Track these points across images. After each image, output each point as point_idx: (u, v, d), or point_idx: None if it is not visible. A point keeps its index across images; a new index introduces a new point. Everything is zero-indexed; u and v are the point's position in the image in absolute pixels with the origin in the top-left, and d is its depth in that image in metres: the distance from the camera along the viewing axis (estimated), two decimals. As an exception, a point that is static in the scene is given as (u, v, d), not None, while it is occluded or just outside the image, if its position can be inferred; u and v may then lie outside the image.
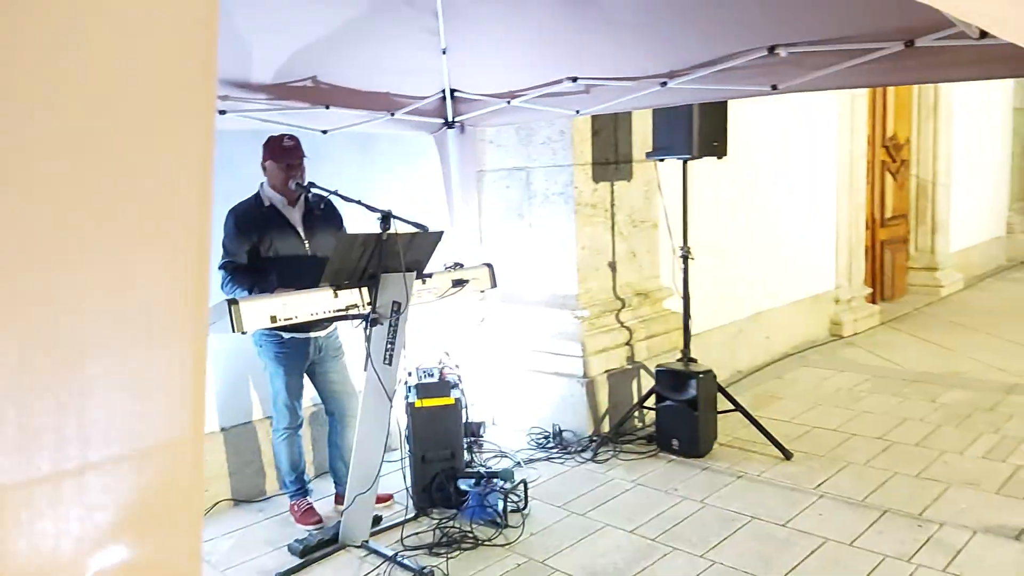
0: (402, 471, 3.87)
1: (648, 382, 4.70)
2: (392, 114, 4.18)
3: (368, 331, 3.07)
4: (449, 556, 3.26)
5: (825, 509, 3.52)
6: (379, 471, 3.31)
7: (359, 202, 3.09)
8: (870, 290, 7.37)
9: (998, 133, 9.97)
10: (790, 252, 6.27)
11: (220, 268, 3.43)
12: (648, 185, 4.90)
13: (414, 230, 3.05)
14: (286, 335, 3.49)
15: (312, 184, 3.35)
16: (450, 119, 4.45)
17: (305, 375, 3.65)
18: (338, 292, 2.99)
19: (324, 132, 3.93)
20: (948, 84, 8.05)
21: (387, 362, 3.12)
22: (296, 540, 3.43)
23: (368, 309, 3.05)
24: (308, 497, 3.75)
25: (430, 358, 3.92)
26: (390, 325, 3.07)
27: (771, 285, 6.05)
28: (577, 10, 3.33)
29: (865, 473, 3.88)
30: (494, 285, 3.52)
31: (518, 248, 4.76)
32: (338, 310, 2.99)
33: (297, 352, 3.55)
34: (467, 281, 3.37)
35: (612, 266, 4.71)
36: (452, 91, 4.32)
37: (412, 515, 3.68)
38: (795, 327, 6.38)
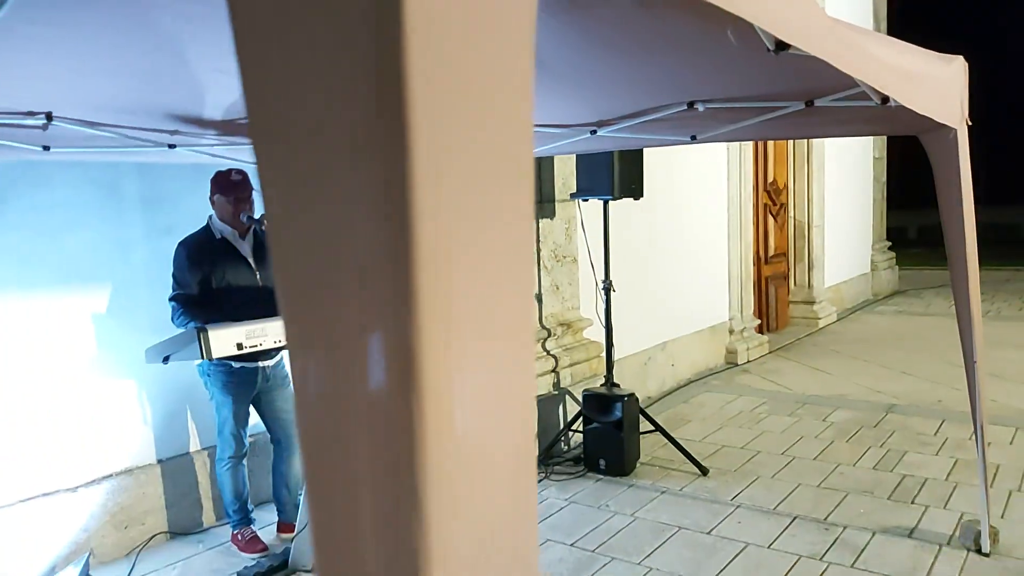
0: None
1: (572, 407, 4.98)
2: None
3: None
4: (401, 576, 3.38)
5: (743, 518, 3.87)
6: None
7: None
8: (759, 321, 8.00)
9: (862, 180, 11.05)
10: (691, 286, 6.76)
11: (171, 300, 3.46)
12: (569, 222, 5.23)
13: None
14: (236, 364, 3.54)
15: (264, 217, 3.44)
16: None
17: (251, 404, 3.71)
18: (300, 320, 3.09)
19: (240, 170, 4.02)
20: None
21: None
22: (245, 567, 3.46)
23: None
24: (252, 526, 3.77)
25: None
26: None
27: (676, 316, 6.50)
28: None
29: (773, 485, 4.28)
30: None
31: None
32: (300, 338, 3.10)
33: (246, 381, 3.60)
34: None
35: (539, 298, 4.99)
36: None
37: (357, 540, 3.76)
38: (696, 355, 6.86)
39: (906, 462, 4.54)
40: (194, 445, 4.04)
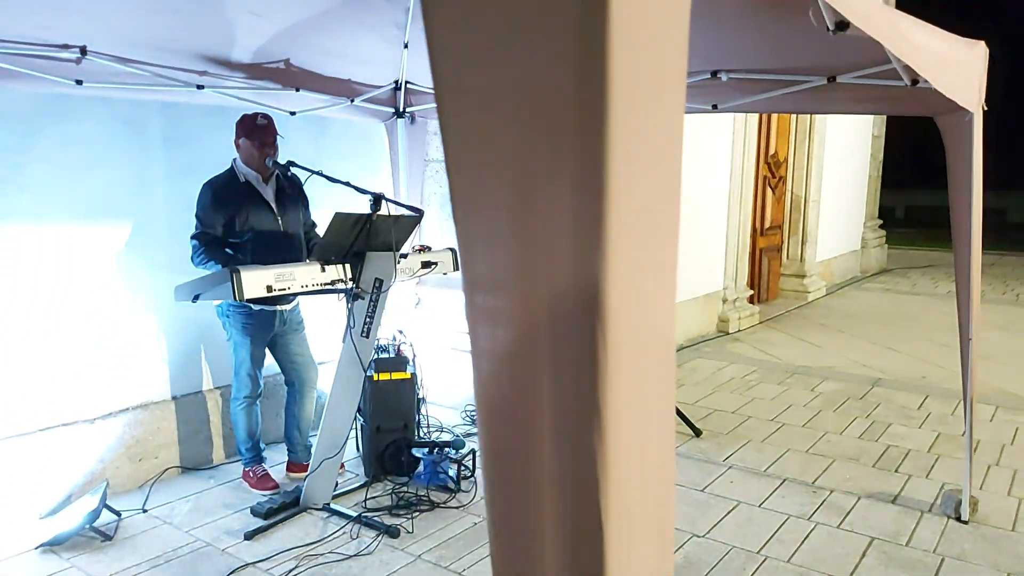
0: (356, 440, 4.08)
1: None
2: (352, 101, 4.36)
3: (351, 304, 3.27)
4: (410, 517, 3.52)
5: (734, 478, 4.04)
6: (347, 437, 3.52)
7: (347, 183, 3.28)
8: (751, 292, 8.15)
9: (859, 157, 11.15)
10: (689, 254, 6.86)
11: (193, 239, 3.51)
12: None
13: (399, 212, 3.28)
14: (255, 307, 3.62)
15: (292, 163, 3.50)
16: (401, 109, 4.67)
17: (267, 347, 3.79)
18: (325, 267, 3.18)
19: (292, 113, 4.06)
20: (823, 111, 8.99)
21: (365, 335, 3.33)
22: (258, 503, 3.58)
23: (351, 284, 3.26)
24: (263, 464, 3.88)
25: (385, 335, 4.14)
26: (371, 300, 3.29)
27: (681, 283, 6.61)
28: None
29: (764, 449, 4.44)
30: (456, 268, 3.78)
31: (453, 234, 5.03)
32: (323, 284, 3.18)
33: (264, 324, 3.68)
34: (435, 263, 3.63)
35: (545, 257, 5.07)
36: (405, 83, 4.55)
37: (365, 481, 3.90)
38: (690, 322, 7.01)
39: (890, 433, 4.72)
40: (206, 384, 4.13)
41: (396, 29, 4.01)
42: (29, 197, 3.38)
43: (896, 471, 4.15)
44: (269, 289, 2.98)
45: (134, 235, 3.76)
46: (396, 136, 4.75)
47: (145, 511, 3.59)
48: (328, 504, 3.58)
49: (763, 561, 3.20)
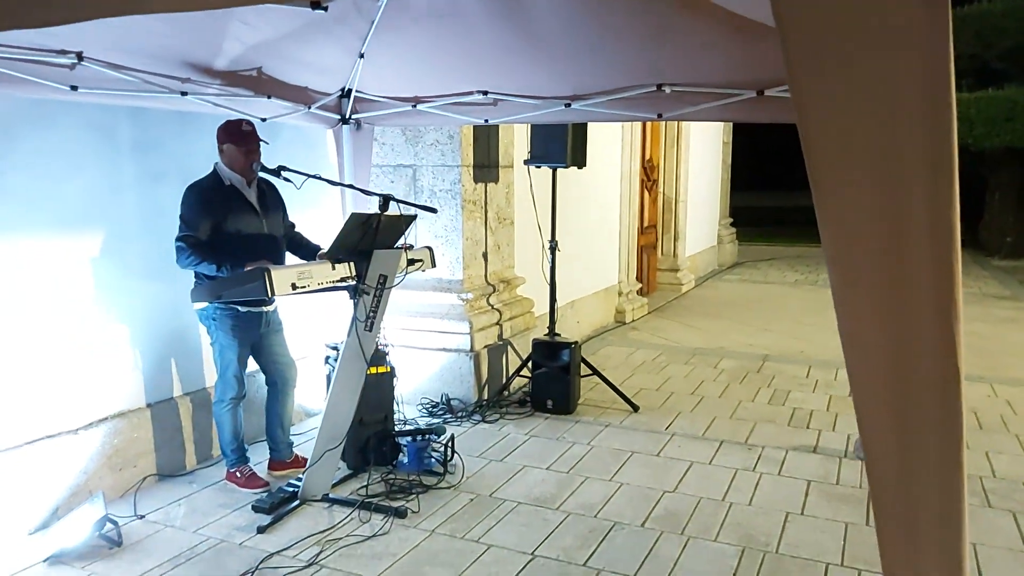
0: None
1: (512, 356, 5.47)
2: (309, 107, 4.49)
3: (356, 300, 3.46)
4: (408, 499, 3.74)
5: (680, 443, 4.55)
6: (348, 429, 3.69)
7: (351, 186, 3.46)
8: (640, 285, 8.85)
9: (714, 162, 12.27)
10: (592, 251, 7.42)
11: (178, 241, 3.55)
12: (508, 187, 5.67)
13: (395, 212, 3.50)
14: (242, 309, 3.71)
15: (284, 167, 3.62)
16: (346, 116, 4.84)
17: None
18: (335, 265, 3.35)
19: (263, 120, 4.14)
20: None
21: (368, 329, 3.53)
22: (258, 499, 3.66)
23: (356, 281, 3.44)
24: (249, 464, 3.95)
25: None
26: (375, 295, 3.49)
27: (581, 278, 7.13)
28: (494, 34, 3.96)
29: (695, 418, 5.01)
30: (433, 265, 4.03)
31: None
32: (334, 281, 3.36)
33: (250, 325, 3.77)
34: (420, 260, 3.87)
35: (485, 256, 5.40)
36: (350, 90, 4.72)
37: (349, 472, 4.05)
38: (595, 314, 7.56)
39: (792, 399, 5.45)
40: (177, 390, 4.12)
41: (357, 40, 4.20)
42: (11, 205, 3.30)
43: (807, 427, 4.83)
44: (293, 287, 3.13)
45: (107, 241, 3.72)
46: (342, 142, 4.90)
47: (142, 517, 3.57)
48: (327, 495, 3.73)
49: (729, 507, 3.71)
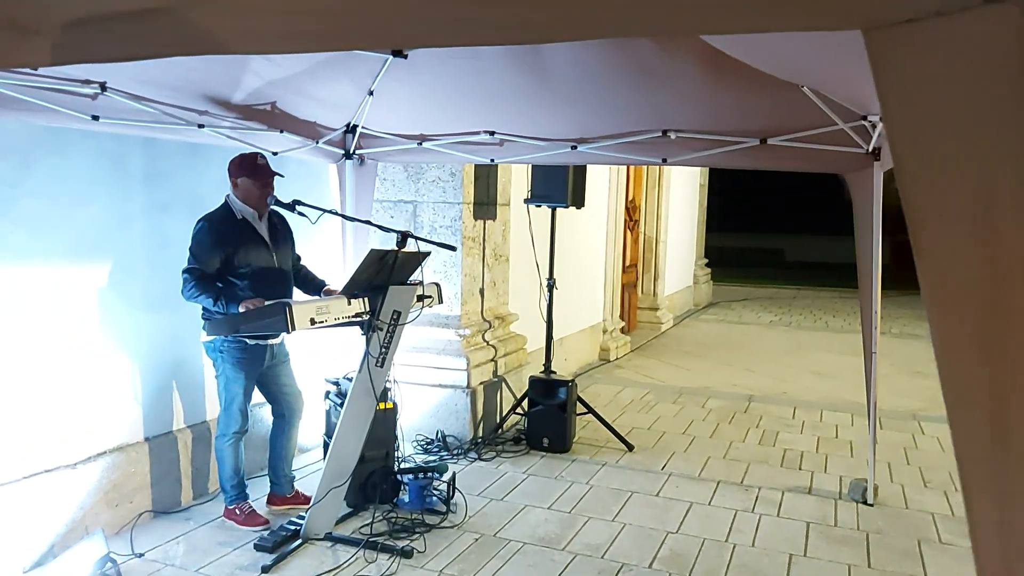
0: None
1: (506, 393, 5.48)
2: (317, 142, 4.52)
3: (368, 335, 3.45)
4: (412, 539, 3.70)
5: (678, 483, 4.58)
6: (354, 466, 3.66)
7: (368, 222, 3.48)
8: (623, 323, 8.93)
9: (691, 203, 12.50)
10: (580, 289, 7.48)
11: (185, 272, 3.53)
12: (505, 225, 5.72)
13: (410, 249, 3.51)
14: (250, 341, 3.68)
15: (298, 201, 3.63)
16: (350, 151, 4.87)
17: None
18: (351, 300, 3.35)
19: (275, 153, 4.14)
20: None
21: (379, 365, 3.52)
22: (260, 538, 3.60)
23: (370, 316, 3.44)
24: (248, 501, 3.88)
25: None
26: (388, 331, 3.49)
27: (568, 315, 7.17)
28: (506, 75, 4.03)
29: (690, 458, 5.05)
30: (441, 301, 4.05)
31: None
32: (350, 316, 3.35)
33: (257, 358, 3.74)
34: (430, 296, 3.88)
35: (482, 292, 5.43)
36: (355, 126, 4.76)
37: (349, 511, 4.00)
38: (582, 351, 7.60)
39: (781, 439, 5.52)
40: (177, 423, 4.05)
41: (368, 76, 4.25)
42: (26, 232, 3.25)
43: (800, 468, 4.90)
44: (312, 322, 3.12)
45: (113, 271, 3.68)
46: (345, 176, 4.92)
47: (141, 555, 3.48)
48: (331, 533, 3.68)
49: (733, 548, 3.74)
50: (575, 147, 4.42)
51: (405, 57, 3.17)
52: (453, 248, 3.68)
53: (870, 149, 3.83)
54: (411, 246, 3.44)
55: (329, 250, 4.85)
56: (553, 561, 3.55)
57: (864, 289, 4.12)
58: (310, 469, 4.55)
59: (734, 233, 27.44)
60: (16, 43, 1.89)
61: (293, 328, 3.02)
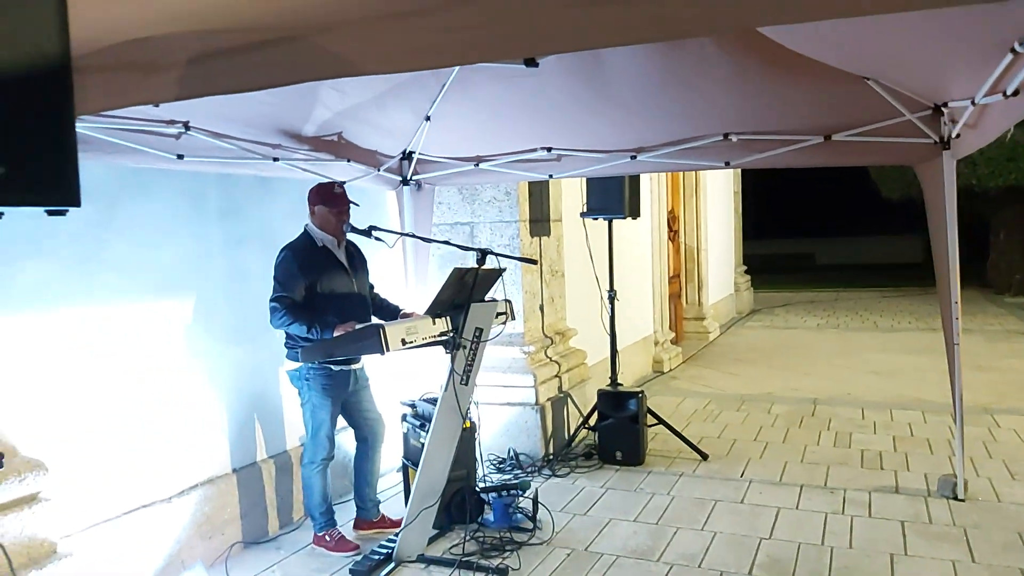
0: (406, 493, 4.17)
1: (572, 409, 5.46)
2: (378, 170, 4.58)
3: (453, 354, 3.47)
4: (504, 557, 3.68)
5: (760, 489, 4.52)
6: (445, 484, 3.66)
7: (447, 242, 3.51)
8: (673, 334, 8.88)
9: (728, 211, 12.45)
10: (632, 301, 7.46)
11: (273, 301, 3.57)
12: (559, 240, 5.74)
13: (488, 267, 3.53)
14: (335, 368, 3.71)
15: (374, 227, 3.67)
16: (407, 177, 4.92)
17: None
18: (435, 320, 3.37)
19: (342, 183, 4.20)
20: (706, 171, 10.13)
21: (464, 383, 3.53)
22: (356, 564, 3.60)
23: (452, 335, 3.45)
24: (337, 527, 3.89)
25: (436, 388, 4.29)
26: (471, 349, 3.50)
27: (623, 328, 7.14)
28: (565, 89, 4.06)
29: (767, 464, 4.98)
30: (513, 317, 4.05)
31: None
32: (435, 336, 3.37)
33: (342, 383, 3.76)
34: (504, 313, 3.89)
35: (541, 309, 5.43)
36: (411, 152, 4.81)
37: (435, 532, 3.99)
38: (636, 363, 7.56)
39: (856, 440, 5.43)
40: (260, 454, 4.08)
41: (426, 102, 4.31)
42: (112, 274, 3.32)
43: (881, 468, 4.81)
44: (403, 342, 3.14)
45: (197, 307, 3.74)
46: (403, 202, 4.97)
47: (240, 586, 3.51)
48: (423, 555, 3.67)
49: (831, 551, 3.67)
50: (635, 156, 4.44)
51: (536, 66, 3.20)
52: (534, 262, 3.69)
53: (940, 139, 3.80)
54: (491, 263, 3.45)
55: (385, 279, 4.88)
56: (651, 573, 3.51)
57: (941, 279, 4.05)
58: (389, 492, 4.55)
59: (763, 240, 27.26)
60: (139, 81, 1.96)
61: (387, 349, 3.04)
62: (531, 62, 3.07)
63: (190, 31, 1.84)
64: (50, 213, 1.73)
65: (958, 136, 3.58)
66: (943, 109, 3.61)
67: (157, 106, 2.84)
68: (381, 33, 1.74)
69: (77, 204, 1.80)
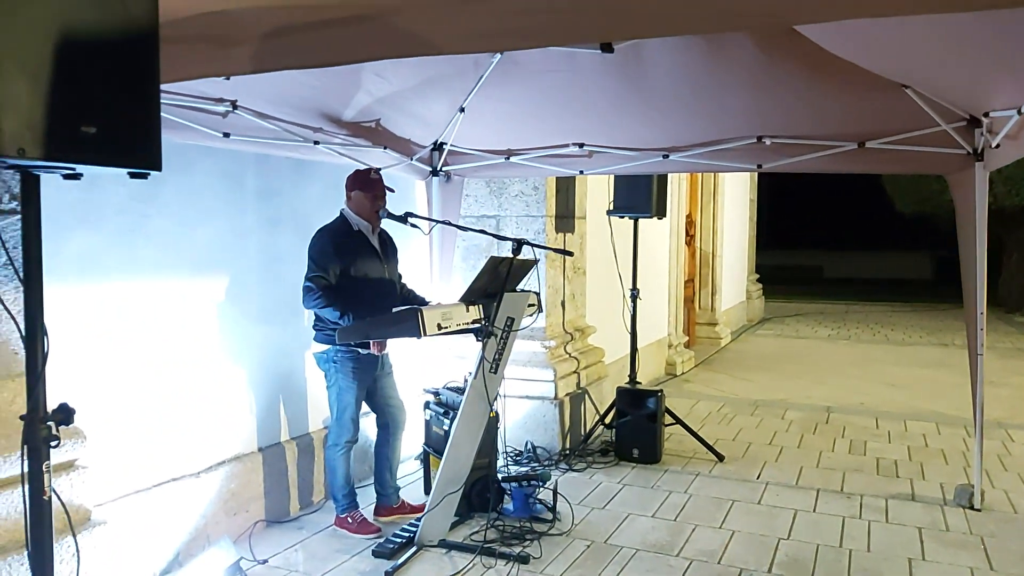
0: (426, 481, 4.21)
1: (589, 405, 5.49)
2: (411, 159, 4.61)
3: (485, 341, 3.50)
4: (524, 545, 3.72)
5: (777, 491, 4.55)
6: (469, 472, 3.69)
7: (482, 231, 3.54)
8: (687, 338, 8.90)
9: (743, 218, 12.47)
10: (647, 304, 7.48)
11: (308, 281, 3.61)
12: (582, 237, 5.77)
13: (524, 257, 3.55)
14: (363, 351, 3.74)
15: (410, 213, 3.71)
16: (437, 168, 4.96)
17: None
18: (469, 307, 3.41)
19: (378, 171, 4.24)
20: (724, 176, 10.17)
21: (493, 371, 3.56)
22: (379, 544, 3.64)
23: (484, 323, 3.49)
24: (359, 509, 3.92)
25: (459, 376, 4.33)
26: (501, 338, 3.53)
27: (641, 330, 7.17)
28: (601, 86, 4.09)
29: (782, 467, 5.01)
30: (541, 309, 4.08)
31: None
32: (468, 323, 3.41)
33: (369, 367, 3.80)
34: (533, 305, 3.92)
35: (563, 304, 5.47)
36: (442, 143, 4.85)
37: (456, 519, 4.02)
38: (650, 365, 7.59)
39: (871, 448, 5.45)
40: (284, 435, 4.12)
41: (462, 94, 4.34)
42: (153, 248, 3.36)
43: (897, 476, 4.83)
44: (439, 327, 3.18)
45: (230, 286, 3.77)
46: (432, 193, 5.01)
47: (264, 562, 3.54)
48: (444, 540, 3.70)
49: (850, 553, 3.69)
50: (666, 156, 4.47)
51: (612, 51, 3.23)
52: (571, 253, 3.73)
53: (974, 150, 3.82)
54: (526, 253, 3.49)
55: (410, 272, 4.92)
56: (670, 567, 3.54)
57: (968, 290, 4.07)
58: (409, 479, 4.59)
59: (770, 250, 27.21)
60: (213, 54, 2.00)
61: (424, 333, 3.08)
62: (607, 47, 3.10)
63: (265, 6, 1.88)
64: (132, 175, 1.79)
65: (997, 146, 3.59)
66: (982, 119, 3.63)
67: (228, 79, 2.87)
68: (454, 14, 1.78)
69: (158, 168, 1.86)
